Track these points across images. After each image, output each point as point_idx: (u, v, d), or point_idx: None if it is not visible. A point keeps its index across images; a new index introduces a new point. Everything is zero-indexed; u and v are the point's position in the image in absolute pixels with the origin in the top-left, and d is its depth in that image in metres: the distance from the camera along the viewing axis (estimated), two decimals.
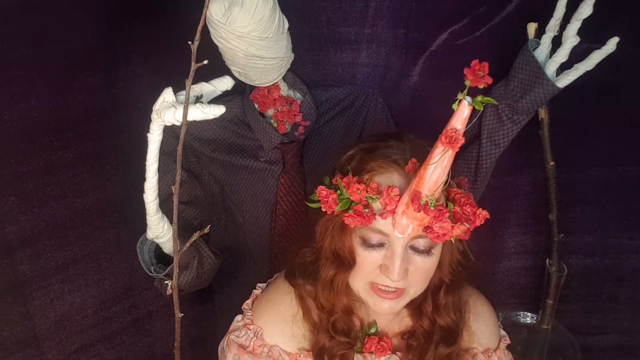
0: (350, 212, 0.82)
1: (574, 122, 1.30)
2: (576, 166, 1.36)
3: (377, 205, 0.82)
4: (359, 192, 0.82)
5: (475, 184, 1.26)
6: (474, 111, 0.73)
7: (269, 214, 1.31)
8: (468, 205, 0.81)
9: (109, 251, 1.36)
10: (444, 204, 0.80)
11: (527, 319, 1.50)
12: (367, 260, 0.86)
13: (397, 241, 0.83)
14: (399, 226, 0.81)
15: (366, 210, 0.82)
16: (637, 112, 1.29)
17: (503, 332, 1.04)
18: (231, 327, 0.99)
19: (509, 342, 1.03)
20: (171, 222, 0.95)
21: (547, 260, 1.38)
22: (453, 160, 0.79)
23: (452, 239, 0.81)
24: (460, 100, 0.72)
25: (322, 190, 0.85)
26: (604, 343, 1.53)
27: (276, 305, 0.97)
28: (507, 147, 1.21)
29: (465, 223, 0.80)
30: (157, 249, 1.16)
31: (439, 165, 0.75)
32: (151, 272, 1.13)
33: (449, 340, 0.94)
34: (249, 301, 1.03)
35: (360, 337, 0.96)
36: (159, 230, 1.03)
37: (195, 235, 0.93)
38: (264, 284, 1.06)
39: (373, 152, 0.87)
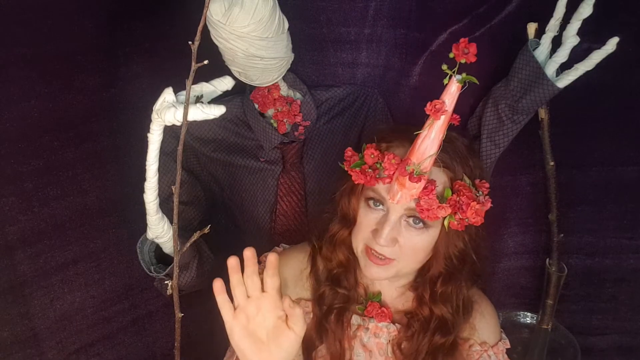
0: (358, 169, 0.91)
1: (574, 122, 1.30)
2: (576, 166, 1.36)
3: (382, 170, 0.90)
4: (372, 156, 0.91)
5: None
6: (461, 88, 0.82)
7: (269, 214, 1.31)
8: (465, 197, 0.88)
9: (109, 251, 1.36)
10: (434, 182, 0.87)
11: (527, 319, 1.50)
12: (364, 221, 0.94)
13: (393, 209, 0.90)
14: (391, 191, 0.89)
15: (369, 170, 0.90)
16: (637, 112, 1.29)
17: (504, 336, 1.07)
18: None
19: (508, 346, 1.05)
20: (171, 222, 0.95)
21: (547, 260, 1.38)
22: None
23: (446, 225, 0.89)
24: (450, 76, 0.81)
25: (348, 151, 0.95)
26: (604, 343, 1.53)
27: (290, 259, 1.07)
28: (507, 147, 1.21)
29: (457, 212, 0.88)
30: (157, 249, 1.15)
31: (427, 137, 0.84)
32: (151, 272, 1.13)
33: (443, 330, 0.98)
34: (268, 253, 1.08)
35: (364, 302, 1.03)
36: (159, 230, 1.03)
37: (195, 235, 0.93)
38: (287, 245, 1.16)
39: (399, 127, 0.98)
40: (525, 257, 1.48)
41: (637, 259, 1.43)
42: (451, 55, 0.81)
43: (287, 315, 0.85)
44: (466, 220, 0.88)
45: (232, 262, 0.84)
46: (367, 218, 0.93)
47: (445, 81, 0.82)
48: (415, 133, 0.85)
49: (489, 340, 1.02)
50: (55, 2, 1.11)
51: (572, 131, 1.31)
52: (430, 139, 0.84)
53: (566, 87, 1.08)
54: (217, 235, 1.39)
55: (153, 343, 1.51)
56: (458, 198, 0.87)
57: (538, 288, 1.45)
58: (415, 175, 0.84)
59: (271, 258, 0.85)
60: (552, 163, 1.27)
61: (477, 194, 0.90)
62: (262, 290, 0.85)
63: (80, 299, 1.34)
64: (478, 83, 0.80)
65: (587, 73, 1.06)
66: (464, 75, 0.81)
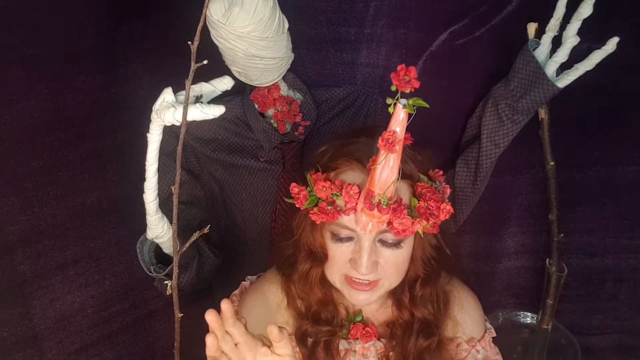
0: (316, 209, 0.85)
1: (574, 122, 1.30)
2: (576, 166, 1.36)
3: (341, 202, 0.85)
4: (324, 189, 0.85)
5: (475, 184, 1.26)
6: (409, 114, 0.74)
7: (269, 214, 1.31)
8: (432, 200, 0.83)
9: (109, 251, 1.36)
10: (401, 201, 0.82)
11: (527, 319, 1.50)
12: (338, 254, 0.89)
13: (364, 236, 0.85)
14: (360, 223, 0.84)
15: (329, 207, 0.84)
16: (637, 112, 1.29)
17: (489, 325, 1.05)
18: None
19: (494, 334, 1.04)
20: (171, 222, 0.95)
21: (547, 260, 1.38)
22: (409, 158, 0.84)
23: (420, 232, 0.84)
24: (395, 104, 0.74)
25: (294, 187, 0.88)
26: (604, 343, 1.53)
27: (261, 293, 1.01)
28: (507, 147, 1.21)
29: (430, 218, 0.83)
30: (157, 249, 1.16)
31: (385, 166, 0.78)
32: (151, 272, 1.13)
33: (426, 332, 0.96)
34: (236, 292, 1.07)
35: (346, 324, 0.99)
36: (159, 230, 1.03)
37: (195, 235, 0.93)
38: (253, 277, 1.10)
39: (341, 149, 0.90)
40: (525, 257, 1.48)
41: (637, 259, 1.43)
42: (393, 87, 0.73)
43: (269, 347, 0.81)
44: (439, 221, 0.85)
45: (211, 341, 0.79)
46: (339, 251, 0.88)
47: (390, 110, 0.74)
48: (371, 167, 0.79)
49: (474, 334, 1.01)
50: (56, 2, 1.11)
51: (572, 131, 1.31)
52: (389, 167, 0.78)
53: (566, 87, 1.08)
54: (217, 235, 1.39)
55: (153, 343, 1.51)
56: (426, 204, 0.83)
57: (538, 288, 1.45)
58: (384, 207, 0.79)
59: (224, 307, 0.76)
60: (552, 163, 1.27)
61: (436, 186, 0.87)
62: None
63: (80, 299, 1.34)
64: (429, 107, 0.73)
65: (587, 73, 1.06)
66: (411, 100, 0.73)
